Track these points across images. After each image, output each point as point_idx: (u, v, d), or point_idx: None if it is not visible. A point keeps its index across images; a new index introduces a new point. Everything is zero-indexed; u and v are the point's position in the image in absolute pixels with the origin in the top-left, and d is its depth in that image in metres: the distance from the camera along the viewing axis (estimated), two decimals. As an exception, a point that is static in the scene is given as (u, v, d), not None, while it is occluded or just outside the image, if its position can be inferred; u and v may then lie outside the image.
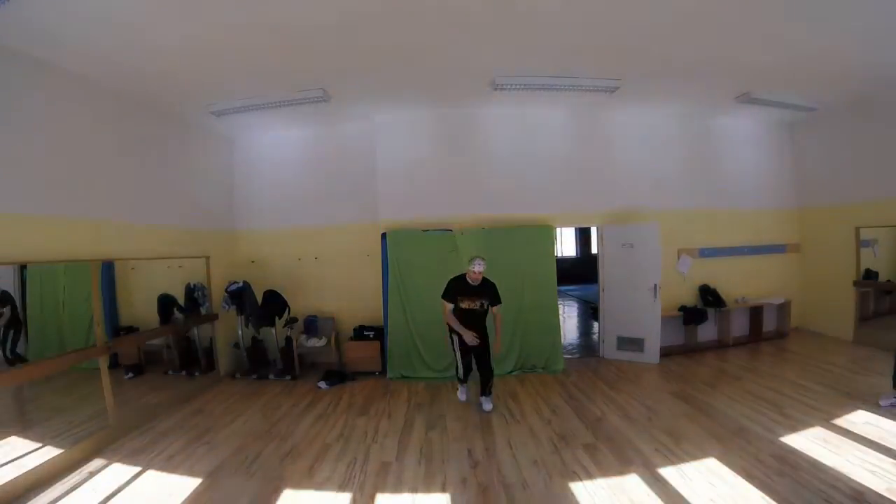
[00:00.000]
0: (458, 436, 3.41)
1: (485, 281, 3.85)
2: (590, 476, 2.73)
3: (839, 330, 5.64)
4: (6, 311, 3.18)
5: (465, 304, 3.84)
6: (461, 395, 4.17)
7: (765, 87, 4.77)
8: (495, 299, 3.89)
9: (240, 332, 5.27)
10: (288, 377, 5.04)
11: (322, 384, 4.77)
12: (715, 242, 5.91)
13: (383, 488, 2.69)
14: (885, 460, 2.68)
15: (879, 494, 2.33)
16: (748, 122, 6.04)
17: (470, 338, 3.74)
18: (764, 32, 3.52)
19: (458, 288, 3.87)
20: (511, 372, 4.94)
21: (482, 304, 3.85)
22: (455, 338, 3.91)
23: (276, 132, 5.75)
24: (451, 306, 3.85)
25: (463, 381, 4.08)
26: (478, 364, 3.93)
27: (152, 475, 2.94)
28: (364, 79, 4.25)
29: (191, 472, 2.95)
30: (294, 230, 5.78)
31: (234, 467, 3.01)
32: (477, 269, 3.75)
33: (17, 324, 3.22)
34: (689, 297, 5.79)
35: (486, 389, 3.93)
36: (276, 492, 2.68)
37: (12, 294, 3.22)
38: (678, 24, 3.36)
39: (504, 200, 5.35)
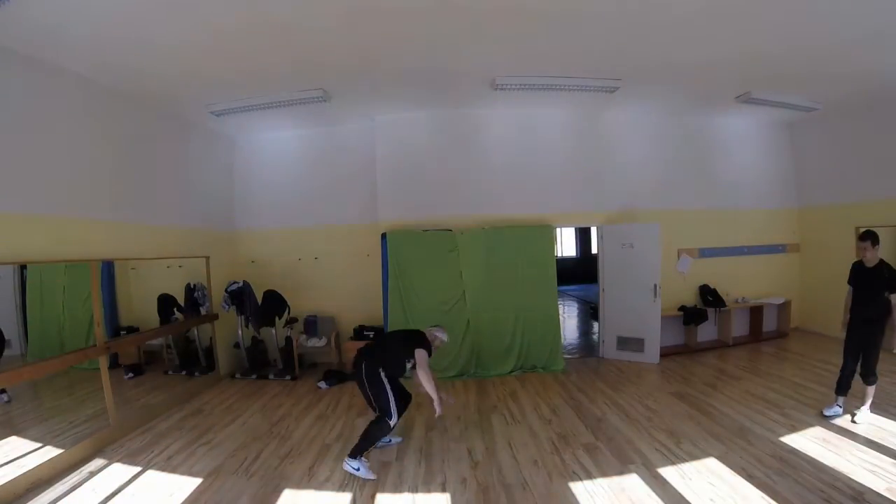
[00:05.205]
0: (458, 436, 3.41)
1: None
2: (590, 476, 2.73)
3: (839, 330, 5.59)
4: None
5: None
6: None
7: (765, 87, 4.76)
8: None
9: (240, 332, 5.27)
10: (288, 377, 5.04)
11: (322, 384, 4.76)
12: (715, 242, 5.91)
13: (383, 488, 2.69)
14: (885, 460, 2.68)
15: (879, 494, 2.33)
16: (748, 122, 6.04)
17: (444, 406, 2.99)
18: (764, 32, 3.51)
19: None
20: (511, 372, 4.94)
21: None
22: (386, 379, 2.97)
23: (276, 132, 5.75)
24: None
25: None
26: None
27: (152, 475, 2.94)
28: (364, 79, 4.25)
29: (191, 472, 2.94)
30: (294, 230, 5.78)
31: (234, 467, 3.00)
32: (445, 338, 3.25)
33: None
34: (689, 297, 5.79)
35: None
36: (276, 492, 2.68)
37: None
38: (679, 24, 3.36)
39: (504, 200, 5.35)
